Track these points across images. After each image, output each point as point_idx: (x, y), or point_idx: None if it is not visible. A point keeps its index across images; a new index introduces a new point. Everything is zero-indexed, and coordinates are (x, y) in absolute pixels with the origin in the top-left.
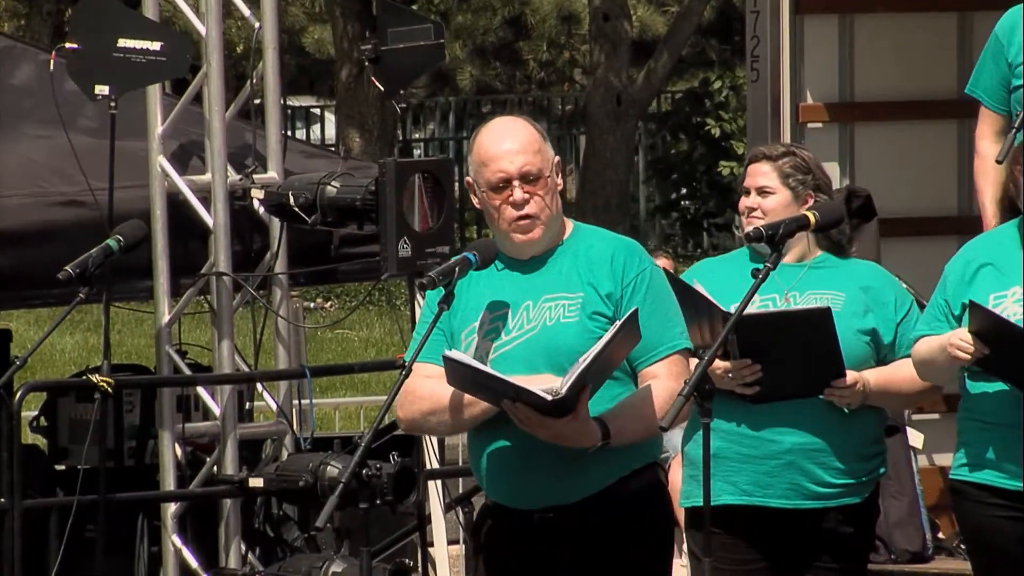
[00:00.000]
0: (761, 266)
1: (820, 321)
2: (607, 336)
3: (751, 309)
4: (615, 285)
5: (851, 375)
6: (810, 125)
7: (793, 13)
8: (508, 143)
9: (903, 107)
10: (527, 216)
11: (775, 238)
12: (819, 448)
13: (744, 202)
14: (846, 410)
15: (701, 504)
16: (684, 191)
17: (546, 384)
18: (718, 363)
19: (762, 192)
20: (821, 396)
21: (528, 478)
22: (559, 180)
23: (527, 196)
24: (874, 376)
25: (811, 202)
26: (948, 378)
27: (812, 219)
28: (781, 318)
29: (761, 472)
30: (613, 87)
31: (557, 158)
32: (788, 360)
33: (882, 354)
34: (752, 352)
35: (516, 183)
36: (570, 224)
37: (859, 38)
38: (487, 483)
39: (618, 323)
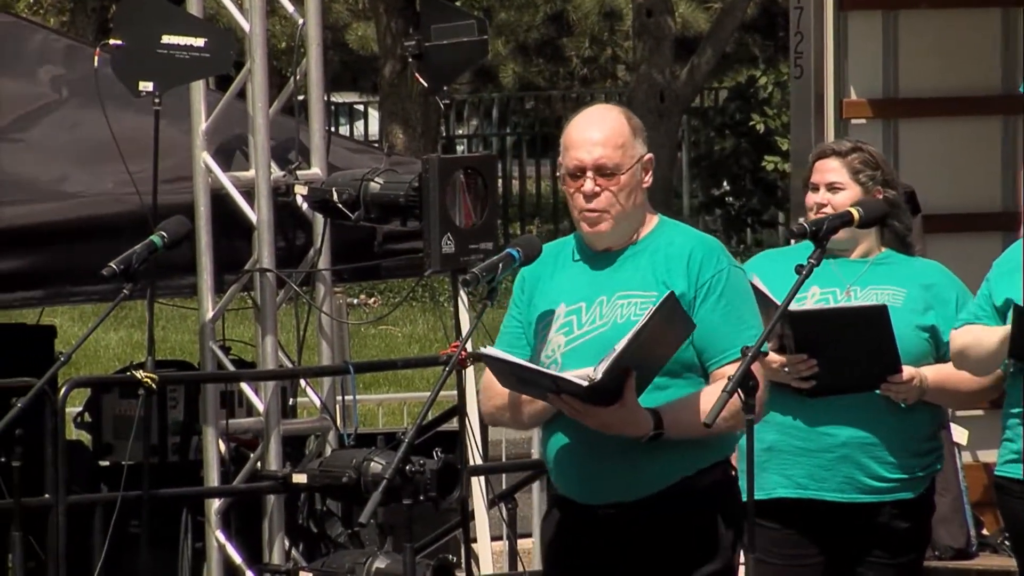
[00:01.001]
0: (805, 262)
1: (876, 318)
2: (642, 320)
3: (810, 304)
4: (689, 285)
5: (908, 371)
6: (854, 121)
7: (837, 9)
8: (592, 132)
9: (947, 103)
10: (594, 209)
11: (819, 234)
12: (874, 442)
13: (812, 198)
14: (903, 405)
15: (756, 498)
16: (728, 187)
17: (588, 372)
18: (775, 357)
19: (832, 188)
20: (878, 391)
21: (593, 473)
22: (646, 178)
23: (598, 190)
24: (932, 373)
25: (880, 198)
26: (987, 366)
27: (856, 215)
28: (838, 314)
29: (816, 465)
30: (656, 83)
31: (649, 155)
32: (844, 355)
33: (941, 351)
34: (809, 347)
35: (590, 174)
36: (655, 219)
37: (903, 34)
38: (555, 476)
39: (652, 307)
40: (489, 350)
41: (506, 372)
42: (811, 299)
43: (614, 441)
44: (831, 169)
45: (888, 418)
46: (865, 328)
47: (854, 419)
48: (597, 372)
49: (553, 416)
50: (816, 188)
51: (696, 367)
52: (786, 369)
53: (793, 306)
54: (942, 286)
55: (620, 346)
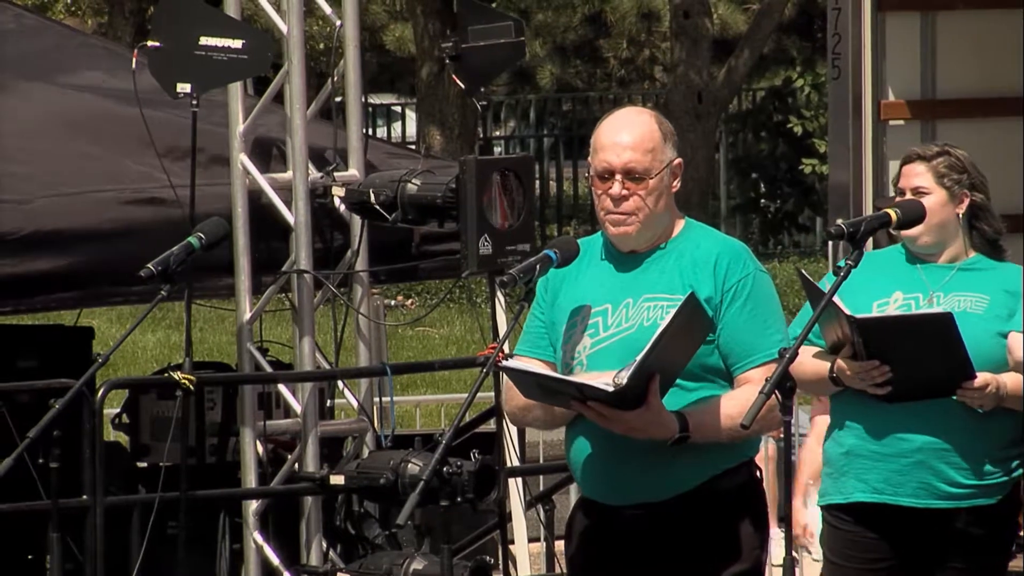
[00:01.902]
0: (843, 264)
1: (941, 325)
2: (664, 322)
3: (892, 310)
4: (715, 290)
5: (982, 377)
6: (892, 122)
7: (875, 10)
8: (622, 135)
9: (985, 104)
10: (622, 212)
11: (856, 236)
12: (950, 448)
13: None
14: (980, 411)
15: (835, 502)
16: (764, 190)
17: (611, 378)
18: (848, 364)
19: (917, 192)
20: (954, 397)
21: (619, 474)
22: (675, 182)
23: (626, 193)
24: (1011, 379)
25: (967, 201)
26: None
27: (893, 216)
28: (904, 321)
29: (892, 470)
30: (694, 85)
31: (678, 160)
32: (915, 362)
33: None
34: (880, 353)
35: (618, 177)
36: (682, 222)
37: (941, 35)
38: (580, 478)
39: (673, 310)
40: (511, 363)
41: (529, 383)
42: (893, 304)
43: (638, 443)
44: (917, 174)
45: (965, 424)
46: (932, 335)
47: (930, 424)
48: (621, 377)
49: (574, 418)
50: (903, 193)
51: (722, 371)
52: (859, 376)
53: (875, 312)
54: None
55: (644, 349)
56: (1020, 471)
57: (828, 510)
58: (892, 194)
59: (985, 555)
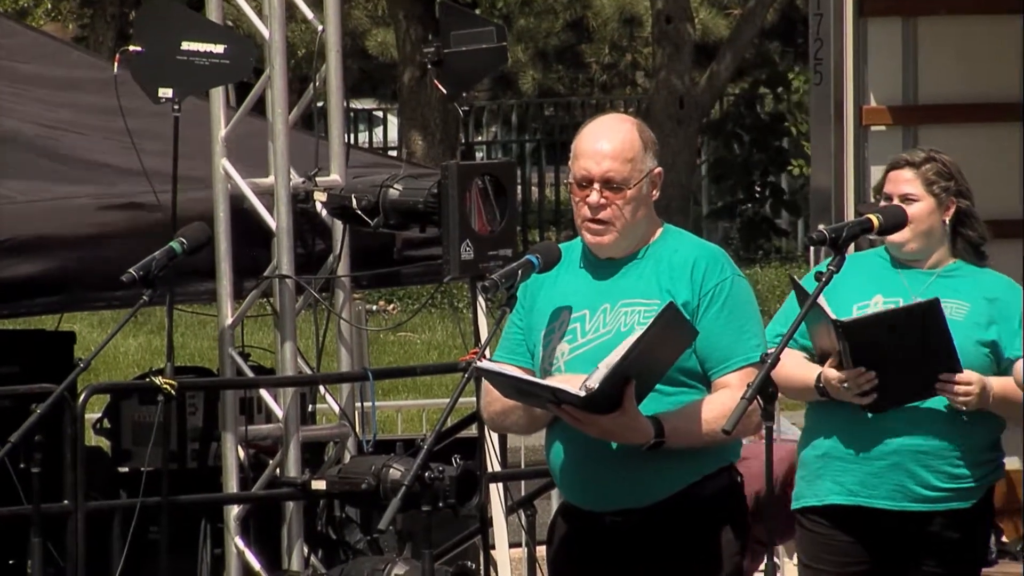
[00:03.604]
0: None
1: (928, 313)
2: (642, 329)
3: (875, 311)
4: (692, 294)
5: (970, 374)
6: (873, 128)
7: (856, 16)
8: (602, 143)
9: (967, 109)
10: (599, 221)
11: (838, 242)
12: (926, 450)
13: None
14: (963, 412)
15: (810, 504)
16: (741, 195)
17: (585, 381)
18: (834, 373)
19: (905, 199)
20: (937, 393)
21: (598, 480)
22: (654, 192)
23: (604, 202)
24: (998, 382)
25: (953, 208)
26: None
27: (875, 222)
28: (890, 316)
29: (867, 472)
30: (675, 90)
31: (658, 169)
32: (901, 359)
33: (1003, 366)
34: (864, 357)
35: (596, 186)
36: (660, 228)
37: (923, 40)
38: (560, 483)
39: (650, 319)
40: (487, 364)
41: (505, 384)
42: (873, 308)
43: (616, 448)
44: (905, 180)
45: (942, 427)
46: (918, 325)
47: (907, 427)
48: (592, 382)
49: (553, 422)
50: (889, 199)
51: (699, 375)
52: (845, 385)
53: (855, 315)
54: (1007, 301)
55: (619, 355)
56: (995, 476)
57: (803, 514)
58: (871, 199)
59: (960, 558)
